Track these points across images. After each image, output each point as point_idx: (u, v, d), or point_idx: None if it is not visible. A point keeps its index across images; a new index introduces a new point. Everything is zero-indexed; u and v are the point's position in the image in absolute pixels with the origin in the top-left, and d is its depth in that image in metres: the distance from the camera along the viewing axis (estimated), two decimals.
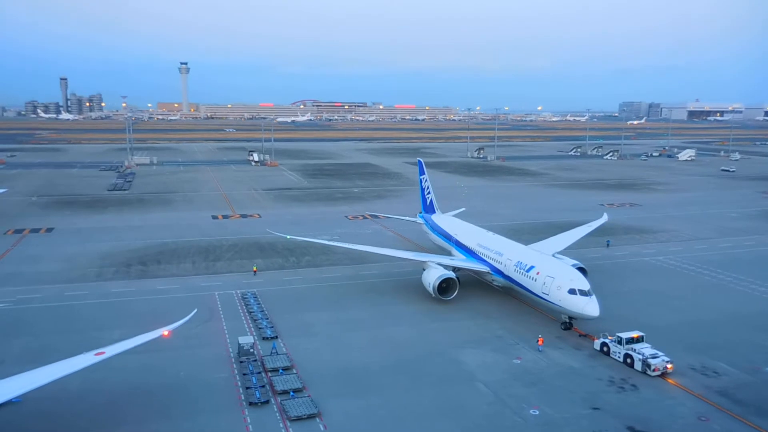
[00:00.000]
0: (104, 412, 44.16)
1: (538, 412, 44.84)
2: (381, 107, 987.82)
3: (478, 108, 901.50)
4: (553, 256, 70.12)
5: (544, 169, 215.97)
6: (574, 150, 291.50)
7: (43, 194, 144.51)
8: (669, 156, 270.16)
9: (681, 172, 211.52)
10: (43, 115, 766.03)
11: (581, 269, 66.80)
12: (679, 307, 68.69)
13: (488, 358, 54.36)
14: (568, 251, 78.46)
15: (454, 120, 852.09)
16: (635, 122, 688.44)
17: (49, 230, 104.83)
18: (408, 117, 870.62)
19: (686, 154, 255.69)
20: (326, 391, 47.64)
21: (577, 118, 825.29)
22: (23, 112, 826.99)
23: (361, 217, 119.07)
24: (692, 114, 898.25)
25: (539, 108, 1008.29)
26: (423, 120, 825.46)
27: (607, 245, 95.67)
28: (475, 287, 73.74)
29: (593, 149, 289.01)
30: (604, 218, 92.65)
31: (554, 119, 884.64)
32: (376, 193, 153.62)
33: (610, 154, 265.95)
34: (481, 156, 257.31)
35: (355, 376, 50.51)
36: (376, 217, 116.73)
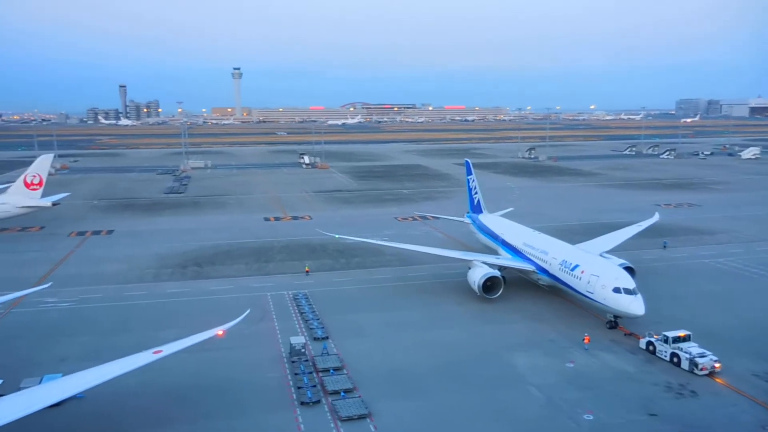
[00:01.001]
0: (162, 408, 45.52)
1: (592, 417, 43.88)
2: (430, 108, 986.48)
3: (528, 108, 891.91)
4: (600, 255, 69.37)
5: (597, 168, 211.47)
6: (629, 149, 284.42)
7: (103, 198, 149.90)
8: (730, 154, 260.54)
9: (742, 170, 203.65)
10: (103, 121, 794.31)
11: (629, 268, 66.16)
12: (740, 310, 66.10)
13: (540, 361, 53.59)
14: (620, 252, 76.75)
15: (504, 120, 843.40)
16: (689, 120, 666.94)
17: (110, 232, 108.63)
18: (457, 118, 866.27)
19: (750, 152, 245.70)
20: (376, 392, 47.83)
21: (632, 117, 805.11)
22: (85, 119, 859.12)
23: (410, 219, 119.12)
24: (754, 111, 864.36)
25: (592, 107, 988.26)
26: (473, 121, 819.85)
27: (664, 247, 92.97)
28: (526, 289, 72.82)
29: (649, 148, 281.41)
30: (656, 218, 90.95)
31: (608, 118, 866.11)
32: (426, 195, 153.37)
33: (667, 152, 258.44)
34: (532, 156, 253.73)
35: (405, 377, 50.54)
36: (424, 217, 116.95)
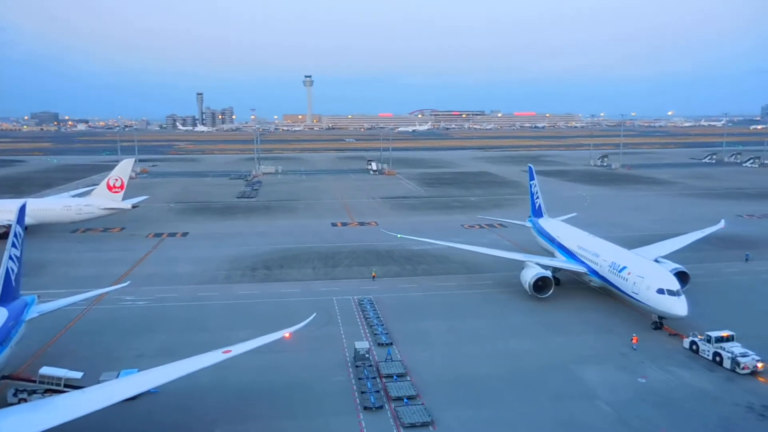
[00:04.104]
0: (231, 407, 46.74)
1: None
2: (499, 115, 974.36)
3: (602, 114, 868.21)
4: (656, 260, 70.58)
5: (674, 177, 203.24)
6: (709, 157, 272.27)
7: (179, 201, 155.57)
8: None
9: None
10: (181, 127, 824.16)
11: (682, 273, 67.39)
12: None
13: (610, 375, 51.87)
14: (699, 264, 73.98)
15: (576, 127, 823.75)
16: (759, 127, 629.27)
17: (185, 234, 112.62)
18: (527, 125, 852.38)
19: None
20: (440, 400, 47.50)
21: (713, 123, 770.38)
22: (164, 126, 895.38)
23: (477, 227, 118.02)
24: None
25: (670, 113, 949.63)
26: (543, 127, 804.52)
27: (746, 260, 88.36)
28: (597, 300, 70.86)
29: (731, 156, 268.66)
30: (721, 225, 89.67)
31: (686, 125, 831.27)
32: (494, 202, 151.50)
33: (751, 160, 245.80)
34: (605, 164, 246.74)
35: (470, 386, 49.97)
36: (491, 225, 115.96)
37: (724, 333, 54.65)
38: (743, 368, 51.01)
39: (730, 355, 52.26)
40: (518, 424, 44.07)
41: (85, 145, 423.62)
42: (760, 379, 50.56)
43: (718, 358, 53.05)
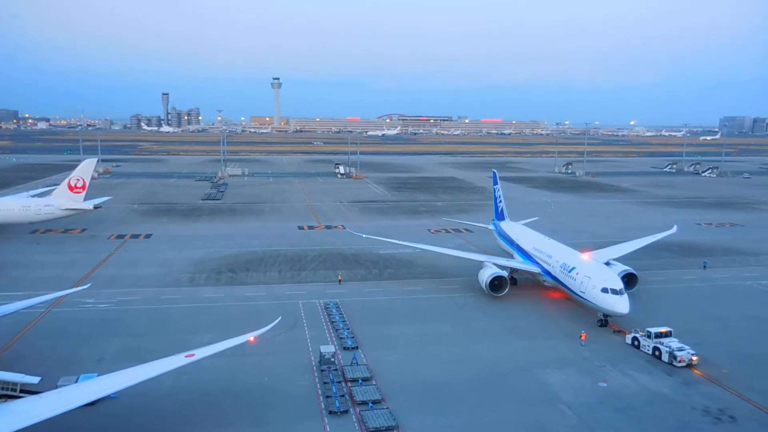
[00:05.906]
0: (194, 411, 46.04)
1: None
2: (467, 121, 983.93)
3: (567, 122, 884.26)
4: (607, 263, 73.78)
5: (636, 185, 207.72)
6: (670, 166, 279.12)
7: (143, 202, 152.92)
8: None
9: None
10: (145, 128, 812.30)
11: (631, 275, 71.78)
12: None
13: (573, 379, 52.64)
14: (658, 270, 75.47)
15: (541, 134, 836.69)
16: (708, 138, 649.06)
17: (148, 236, 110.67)
18: (494, 131, 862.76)
19: None
20: (405, 404, 47.56)
21: (673, 133, 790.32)
22: (128, 125, 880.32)
23: (443, 231, 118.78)
24: None
25: (632, 122, 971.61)
26: (509, 134, 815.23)
27: (704, 267, 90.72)
28: (561, 305, 71.88)
29: (690, 166, 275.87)
30: (673, 230, 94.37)
31: (648, 134, 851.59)
32: (460, 207, 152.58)
33: (709, 170, 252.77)
34: (569, 171, 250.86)
35: (435, 390, 50.16)
36: (459, 231, 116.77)
37: (663, 329, 58.40)
38: (679, 361, 54.55)
39: (668, 349, 55.82)
40: (483, 429, 44.36)
41: (45, 144, 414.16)
42: (696, 371, 53.95)
43: (657, 353, 56.59)
